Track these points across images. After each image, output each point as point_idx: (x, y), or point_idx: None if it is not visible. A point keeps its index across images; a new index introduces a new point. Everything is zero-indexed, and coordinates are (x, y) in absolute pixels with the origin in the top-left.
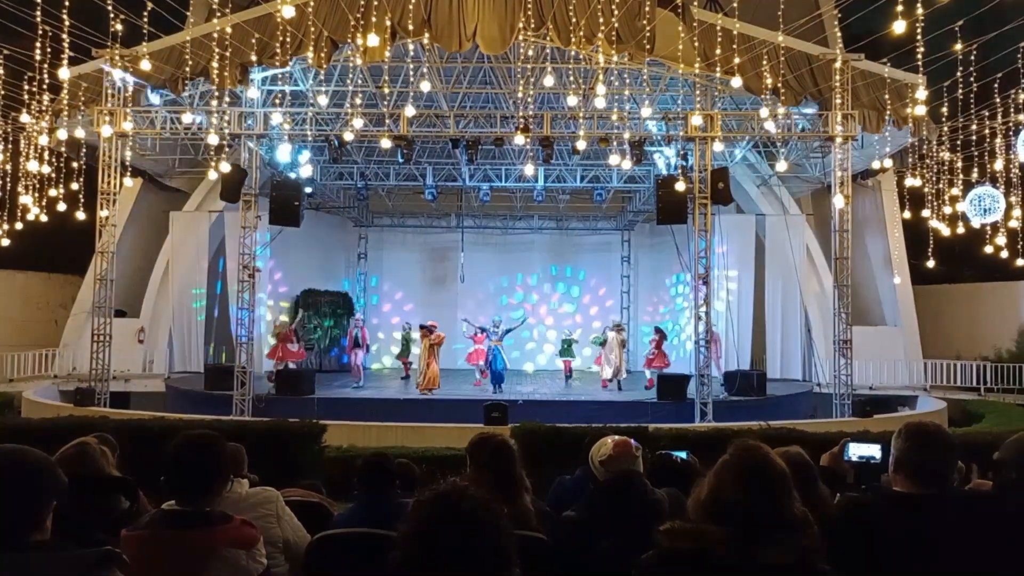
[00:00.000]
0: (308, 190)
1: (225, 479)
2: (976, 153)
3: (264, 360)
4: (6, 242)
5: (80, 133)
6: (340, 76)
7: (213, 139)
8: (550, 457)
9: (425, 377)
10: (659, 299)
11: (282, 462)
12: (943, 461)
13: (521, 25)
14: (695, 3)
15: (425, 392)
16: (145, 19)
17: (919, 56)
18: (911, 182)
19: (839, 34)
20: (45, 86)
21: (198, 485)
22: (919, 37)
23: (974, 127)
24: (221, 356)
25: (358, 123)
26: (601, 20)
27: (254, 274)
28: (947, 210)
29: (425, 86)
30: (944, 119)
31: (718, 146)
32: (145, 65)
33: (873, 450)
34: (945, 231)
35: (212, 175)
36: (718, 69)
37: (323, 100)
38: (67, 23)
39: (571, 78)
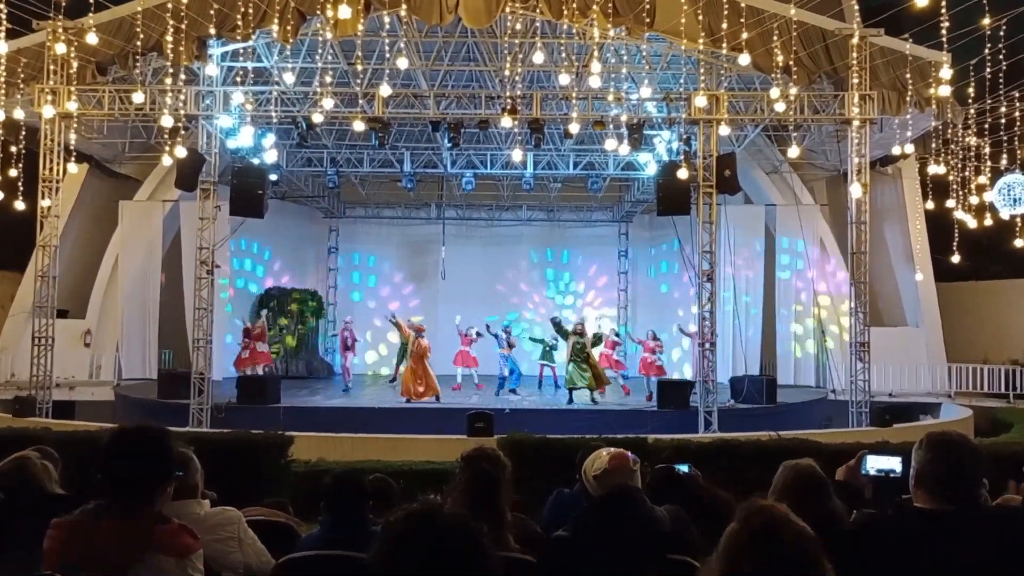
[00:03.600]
0: (273, 177)
1: (169, 480)
2: (1005, 138)
3: (224, 366)
4: None
5: (19, 114)
6: (308, 52)
7: (167, 121)
8: (540, 471)
9: (412, 386)
10: (658, 297)
11: (244, 478)
12: (969, 475)
13: None
14: None
15: (413, 400)
16: None
17: (943, 32)
18: (934, 169)
19: (856, 7)
20: None
21: (137, 489)
22: (943, 11)
23: (1003, 109)
24: (175, 361)
25: (328, 103)
26: None
27: (213, 270)
28: (973, 200)
29: (402, 63)
30: (971, 100)
31: (724, 130)
32: (91, 38)
33: (893, 463)
34: (971, 223)
35: (166, 161)
36: (724, 45)
37: (289, 78)
38: None
39: (563, 55)
